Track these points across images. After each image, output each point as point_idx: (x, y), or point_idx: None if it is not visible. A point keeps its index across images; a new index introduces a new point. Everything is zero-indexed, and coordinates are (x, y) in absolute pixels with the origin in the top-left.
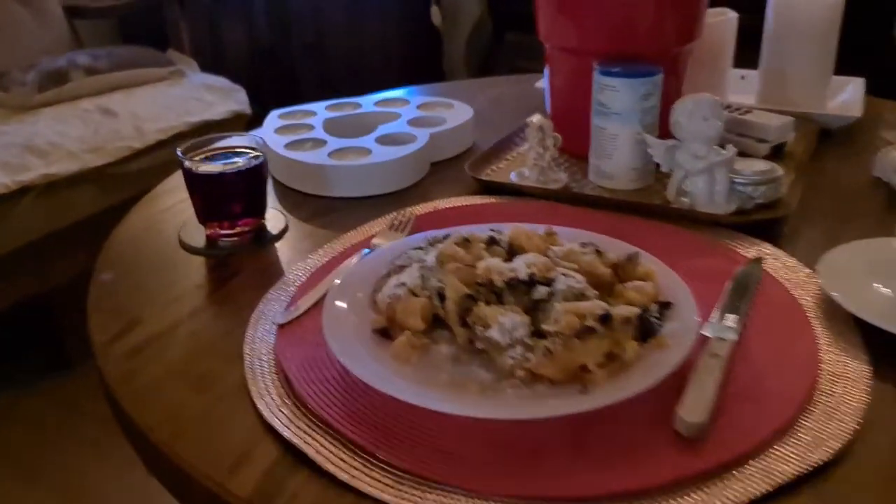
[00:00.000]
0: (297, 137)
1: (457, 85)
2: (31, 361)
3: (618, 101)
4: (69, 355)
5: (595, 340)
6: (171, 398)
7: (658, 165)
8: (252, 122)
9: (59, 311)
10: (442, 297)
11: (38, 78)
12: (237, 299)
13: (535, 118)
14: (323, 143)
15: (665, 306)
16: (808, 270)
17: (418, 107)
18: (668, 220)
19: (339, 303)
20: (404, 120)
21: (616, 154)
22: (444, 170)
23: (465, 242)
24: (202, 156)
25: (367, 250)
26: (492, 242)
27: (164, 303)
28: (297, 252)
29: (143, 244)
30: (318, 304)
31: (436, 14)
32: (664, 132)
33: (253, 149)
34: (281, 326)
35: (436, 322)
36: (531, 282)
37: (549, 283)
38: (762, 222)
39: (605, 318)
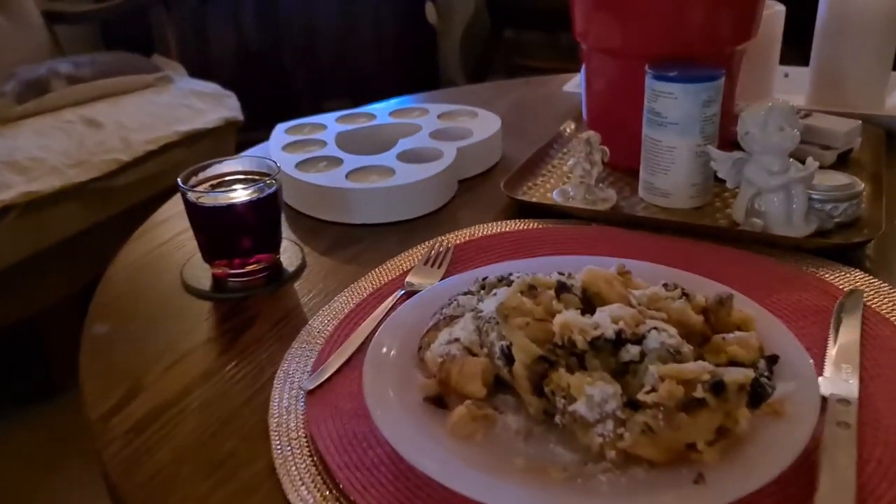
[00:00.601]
0: (309, 155)
1: (472, 90)
2: (17, 390)
3: (675, 109)
4: (57, 382)
5: (705, 414)
6: (187, 492)
7: (718, 180)
8: (244, 129)
9: (45, 336)
10: (508, 358)
11: (17, 88)
12: (255, 356)
13: (586, 134)
14: (338, 161)
15: (772, 361)
16: None
17: (439, 117)
18: (736, 245)
19: (379, 365)
20: (426, 132)
21: (673, 169)
22: (473, 188)
23: (531, 290)
24: (206, 184)
25: (401, 290)
26: (562, 289)
27: (170, 362)
28: (320, 293)
29: (141, 287)
30: (352, 360)
31: (430, 11)
32: (722, 143)
33: (265, 174)
34: (310, 392)
35: (497, 384)
36: (619, 340)
37: (639, 340)
38: (847, 246)
39: (718, 387)
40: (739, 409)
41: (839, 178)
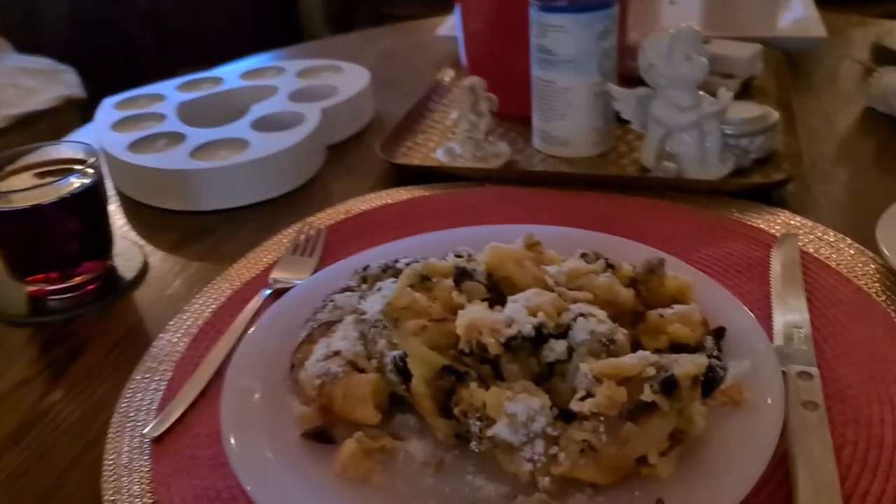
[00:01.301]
0: (145, 133)
1: (334, 43)
2: None
3: (568, 44)
4: None
5: (656, 420)
6: None
7: (621, 122)
8: (87, 106)
9: None
10: (403, 372)
11: None
12: (86, 395)
13: (468, 80)
14: (180, 137)
15: (719, 335)
16: (850, 242)
17: (298, 75)
18: (649, 194)
19: (241, 394)
20: (284, 94)
21: (570, 113)
22: (344, 155)
23: (424, 281)
24: (4, 182)
25: (267, 290)
26: (462, 276)
27: None
28: (167, 302)
29: None
30: (208, 390)
31: None
32: (618, 81)
33: (81, 161)
34: (156, 440)
35: (394, 403)
36: (540, 337)
37: (564, 332)
38: (770, 185)
39: (669, 385)
40: (693, 405)
41: (751, 109)
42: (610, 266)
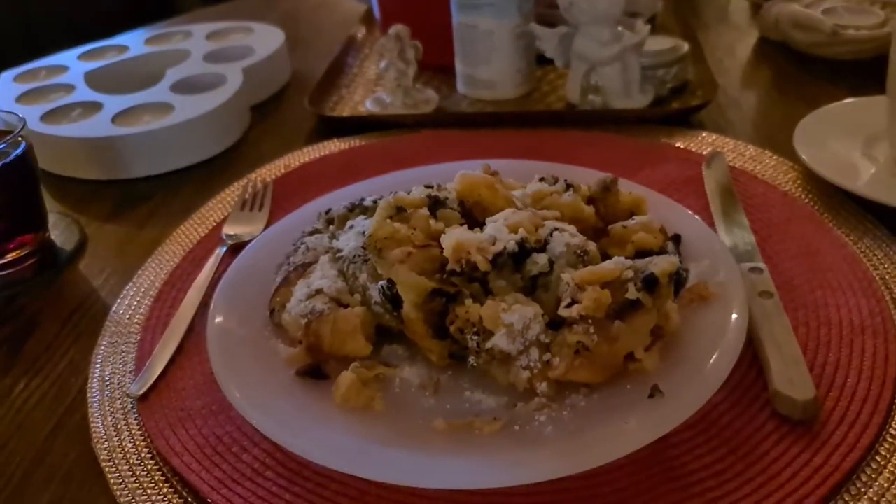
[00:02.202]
0: (56, 104)
1: (235, 6)
2: None
3: None
4: None
5: (641, 317)
6: None
7: (540, 62)
8: None
9: None
10: (393, 300)
11: None
12: (49, 368)
13: (394, 29)
14: (96, 105)
15: (677, 241)
16: (770, 154)
17: (207, 37)
18: (579, 127)
19: (227, 343)
20: (198, 56)
21: (494, 56)
22: (269, 113)
23: (400, 213)
24: None
25: (223, 247)
26: (437, 205)
27: None
28: (116, 270)
29: None
30: (184, 346)
31: None
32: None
33: (5, 132)
34: (141, 399)
35: (380, 334)
36: (524, 251)
37: (543, 247)
38: (690, 109)
39: (651, 283)
40: (668, 302)
41: (662, 42)
42: (570, 186)
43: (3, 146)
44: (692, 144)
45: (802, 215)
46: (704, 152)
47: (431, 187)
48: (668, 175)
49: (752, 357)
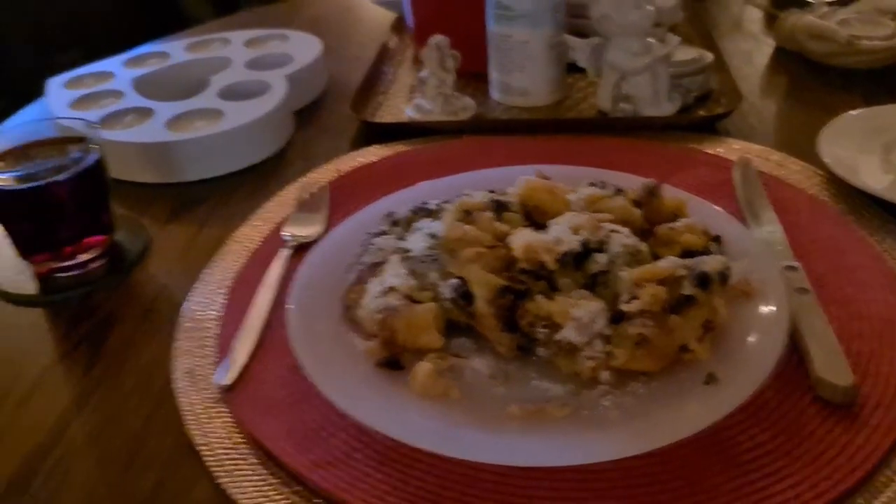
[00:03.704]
0: (110, 110)
1: (262, 14)
2: None
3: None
4: None
5: (694, 311)
6: None
7: (570, 70)
8: None
9: None
10: (465, 296)
11: None
12: (133, 362)
13: (434, 39)
14: (147, 111)
15: (718, 241)
16: (794, 159)
17: (246, 45)
18: (610, 133)
19: (310, 337)
20: (240, 64)
21: (529, 65)
22: (310, 119)
23: (467, 216)
24: (8, 165)
25: (287, 248)
26: (500, 208)
27: (21, 396)
28: (183, 270)
29: None
30: (265, 341)
31: None
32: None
33: (79, 139)
34: (229, 389)
35: (448, 328)
36: (587, 252)
37: (601, 247)
38: (716, 117)
39: (704, 280)
40: (717, 298)
41: (687, 52)
42: (619, 191)
43: (78, 154)
44: (719, 150)
45: (828, 217)
46: (732, 157)
47: (494, 192)
48: (700, 179)
49: (791, 347)
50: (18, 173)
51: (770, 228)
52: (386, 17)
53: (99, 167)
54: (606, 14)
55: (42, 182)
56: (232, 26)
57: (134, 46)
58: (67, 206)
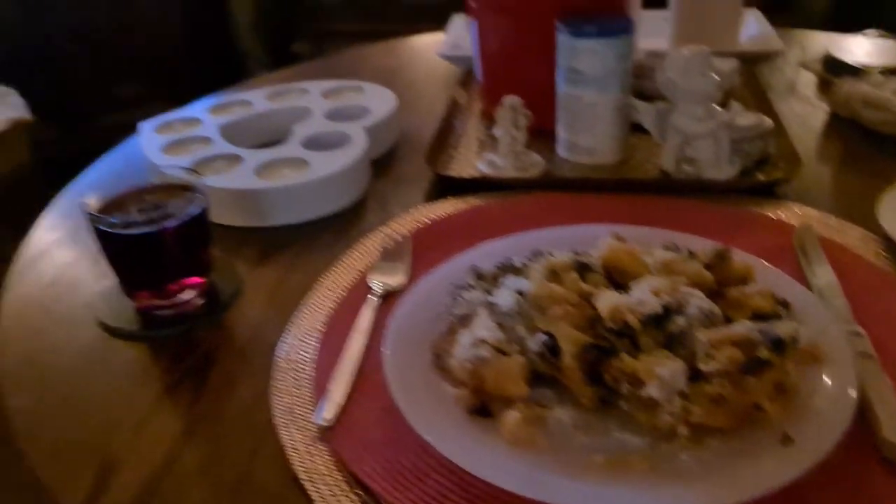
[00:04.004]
0: (201, 156)
1: (328, 63)
2: None
3: (596, 64)
4: None
5: (769, 373)
6: None
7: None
8: (38, 130)
9: None
10: (553, 350)
11: None
12: (234, 397)
13: (508, 99)
14: (236, 158)
15: (785, 306)
16: (852, 225)
17: (323, 95)
18: (672, 194)
19: (406, 383)
20: (319, 114)
21: (597, 125)
22: (384, 170)
23: (554, 275)
24: (119, 209)
25: (375, 296)
26: (584, 269)
27: (134, 425)
28: (276, 312)
29: (48, 341)
30: (359, 384)
31: None
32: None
33: (186, 188)
34: (328, 427)
35: (533, 379)
36: (667, 313)
37: (680, 309)
38: (776, 182)
39: (779, 345)
40: (788, 361)
41: (747, 117)
42: (691, 254)
43: (186, 202)
44: (780, 214)
45: (888, 284)
46: (792, 222)
47: (577, 252)
48: (761, 242)
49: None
50: (130, 218)
51: (832, 293)
52: (450, 68)
53: (204, 214)
54: (673, 80)
55: (153, 228)
56: (306, 75)
57: (186, 84)
58: (174, 249)
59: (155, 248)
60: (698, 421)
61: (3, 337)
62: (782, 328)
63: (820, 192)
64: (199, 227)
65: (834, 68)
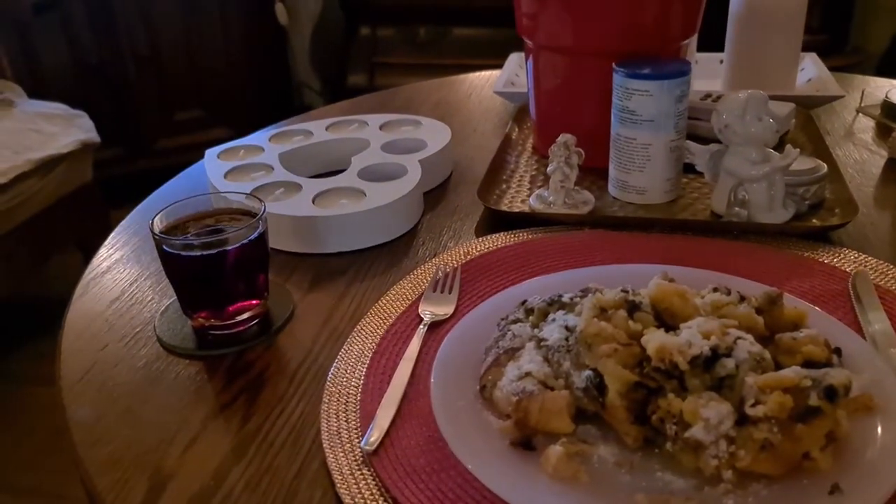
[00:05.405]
0: (262, 182)
1: (385, 96)
2: None
3: (650, 106)
4: None
5: (820, 422)
6: None
7: (686, 172)
8: (101, 149)
9: None
10: (599, 388)
11: None
12: (284, 418)
13: (562, 137)
14: (296, 186)
15: (838, 354)
16: None
17: (381, 128)
18: (723, 236)
19: (452, 413)
20: (376, 147)
21: (649, 166)
22: (436, 202)
23: (602, 313)
24: (183, 231)
25: (423, 325)
26: (634, 308)
27: (188, 441)
28: (328, 336)
29: (110, 355)
30: (404, 411)
31: (281, 12)
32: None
33: (247, 213)
34: (373, 453)
35: (577, 415)
36: (715, 356)
37: (729, 352)
38: (832, 227)
39: (832, 393)
40: (840, 410)
41: (804, 162)
42: (742, 298)
43: (247, 226)
44: (835, 260)
45: None
46: (847, 268)
47: (626, 291)
48: (815, 288)
49: None
50: (193, 240)
51: (887, 342)
52: (504, 104)
53: (262, 239)
54: (729, 124)
55: (215, 250)
56: (365, 108)
57: (243, 111)
58: (234, 271)
59: (215, 270)
60: (744, 466)
61: (67, 351)
62: (835, 376)
63: (877, 239)
64: (258, 251)
65: (893, 114)
